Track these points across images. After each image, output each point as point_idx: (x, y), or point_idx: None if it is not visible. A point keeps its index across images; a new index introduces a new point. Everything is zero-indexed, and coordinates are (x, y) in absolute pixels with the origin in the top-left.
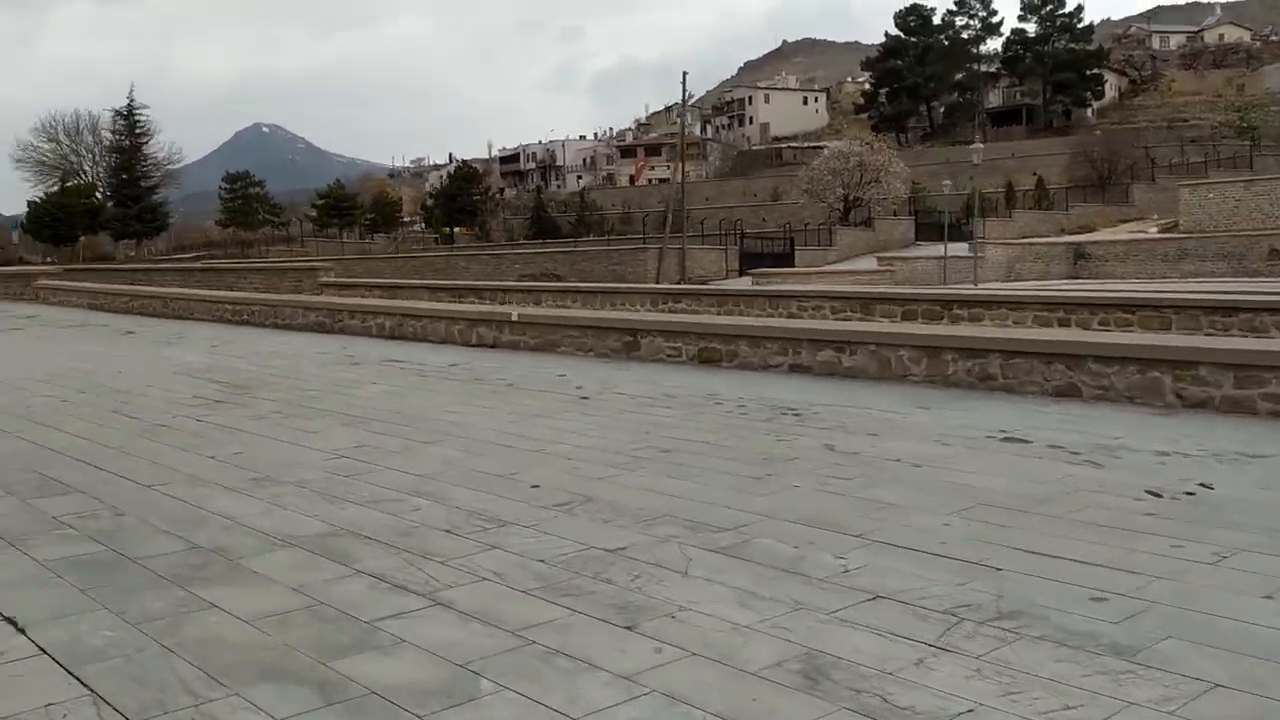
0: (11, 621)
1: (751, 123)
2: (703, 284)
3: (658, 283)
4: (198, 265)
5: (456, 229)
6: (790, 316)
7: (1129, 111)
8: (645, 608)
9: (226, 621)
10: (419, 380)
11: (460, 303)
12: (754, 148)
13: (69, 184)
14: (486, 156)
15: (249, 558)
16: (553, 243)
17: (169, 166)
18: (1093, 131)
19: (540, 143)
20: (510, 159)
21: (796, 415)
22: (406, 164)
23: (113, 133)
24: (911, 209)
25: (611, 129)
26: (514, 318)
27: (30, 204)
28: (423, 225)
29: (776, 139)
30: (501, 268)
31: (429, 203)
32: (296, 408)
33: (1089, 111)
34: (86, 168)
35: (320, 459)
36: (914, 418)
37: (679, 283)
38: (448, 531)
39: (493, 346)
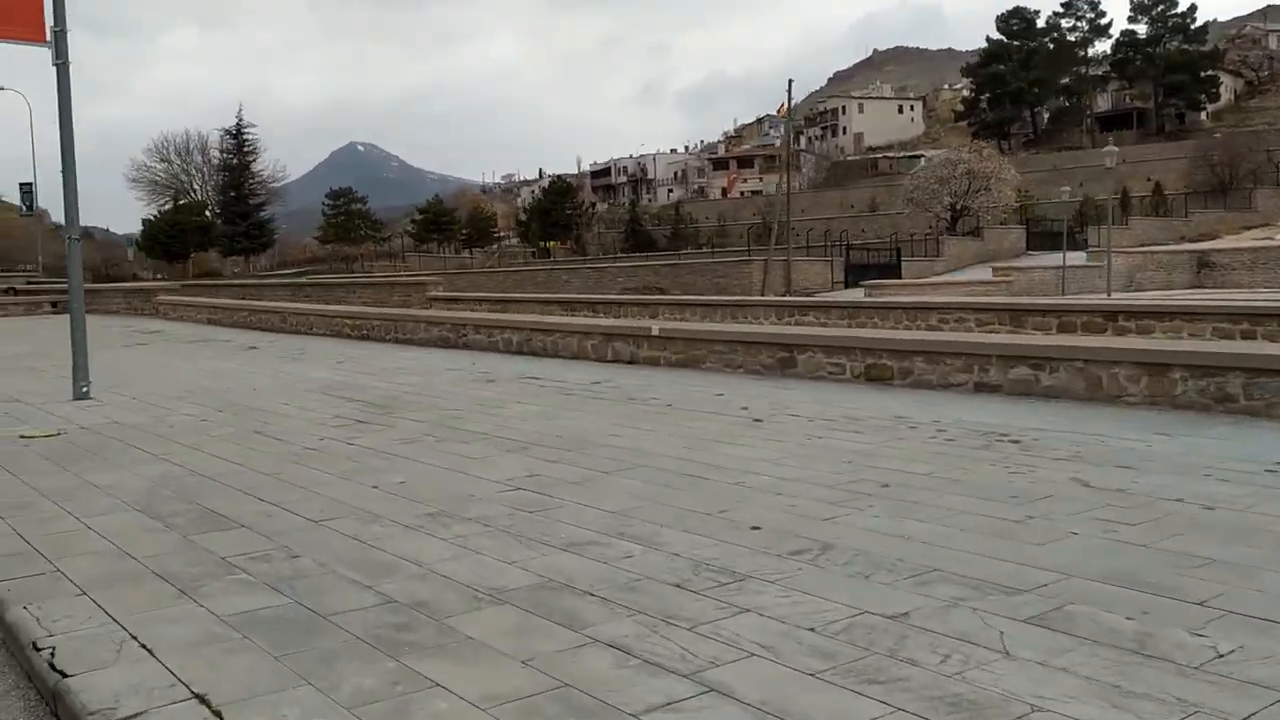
0: (204, 701)
1: (845, 133)
2: (809, 296)
3: (763, 295)
4: (304, 280)
5: (551, 243)
6: (930, 329)
7: (1246, 114)
8: (982, 704)
9: (459, 710)
10: (564, 399)
11: (576, 316)
12: (849, 158)
13: (181, 202)
14: (576, 171)
15: (457, 617)
16: (653, 256)
17: (274, 184)
18: (1211, 135)
19: (631, 156)
20: (601, 173)
21: (1015, 443)
22: (497, 180)
23: (221, 152)
24: (1022, 217)
25: (701, 141)
26: (655, 332)
27: (145, 222)
28: (517, 239)
29: (871, 149)
30: (604, 281)
31: (524, 217)
32: (445, 429)
33: (1203, 114)
34: (196, 186)
35: (494, 490)
36: (1160, 447)
37: (784, 295)
38: (678, 586)
39: (630, 362)
